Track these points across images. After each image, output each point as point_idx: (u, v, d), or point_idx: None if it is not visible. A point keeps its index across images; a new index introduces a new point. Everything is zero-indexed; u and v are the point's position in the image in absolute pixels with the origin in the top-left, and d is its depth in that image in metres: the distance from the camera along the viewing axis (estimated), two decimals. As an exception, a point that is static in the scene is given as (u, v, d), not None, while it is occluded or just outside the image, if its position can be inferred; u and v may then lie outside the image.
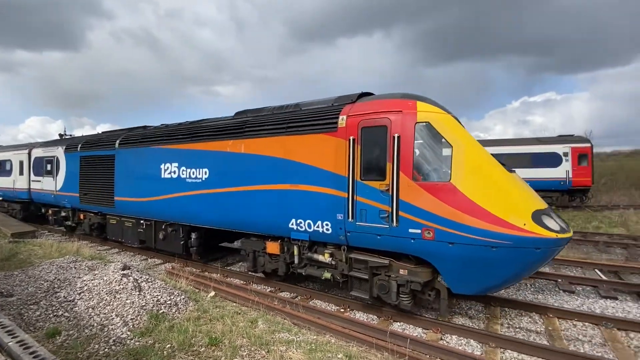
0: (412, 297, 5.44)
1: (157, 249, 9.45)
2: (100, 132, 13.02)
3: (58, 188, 12.41)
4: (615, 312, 5.95)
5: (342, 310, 6.22)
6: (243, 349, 4.17)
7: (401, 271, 5.35)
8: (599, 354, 4.66)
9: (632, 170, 24.83)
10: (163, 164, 8.53)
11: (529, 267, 4.89)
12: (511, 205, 4.75)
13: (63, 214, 12.52)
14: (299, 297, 6.79)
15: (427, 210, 4.92)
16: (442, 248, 4.89)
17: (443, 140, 5.07)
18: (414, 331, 5.43)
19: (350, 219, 5.54)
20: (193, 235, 8.43)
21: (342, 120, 5.74)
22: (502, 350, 4.82)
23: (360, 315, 6.02)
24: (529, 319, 5.76)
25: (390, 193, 5.18)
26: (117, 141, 10.11)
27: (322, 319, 5.58)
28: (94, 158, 10.85)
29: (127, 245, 10.73)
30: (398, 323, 5.69)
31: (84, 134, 14.68)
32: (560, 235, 4.60)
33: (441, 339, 5.17)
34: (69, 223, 12.41)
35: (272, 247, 6.74)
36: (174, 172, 8.25)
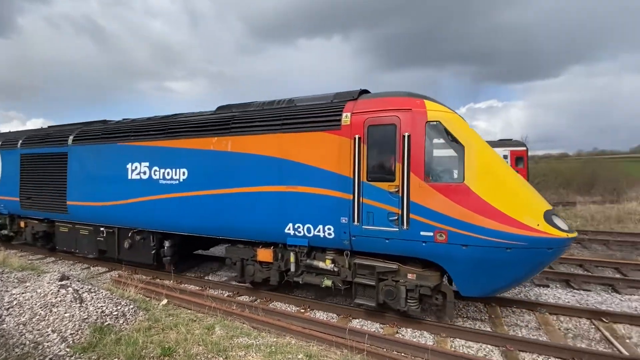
0: (419, 302, 5.30)
1: (121, 260, 8.40)
2: (47, 126, 11.50)
3: None
4: (548, 298, 6.61)
5: (302, 310, 6.22)
6: (199, 357, 3.99)
7: (409, 276, 5.18)
8: (534, 337, 5.16)
9: (561, 172, 27.82)
10: (130, 164, 7.58)
11: (539, 267, 4.94)
12: (524, 205, 4.74)
13: None
14: (258, 300, 6.66)
15: (439, 212, 4.79)
16: (455, 250, 4.78)
17: (454, 140, 4.94)
18: (371, 327, 5.59)
19: (355, 223, 5.28)
20: (166, 244, 7.54)
21: (346, 117, 5.44)
22: (452, 339, 5.14)
23: (320, 315, 6.07)
24: (475, 309, 6.21)
25: (400, 194, 5.00)
26: (71, 137, 8.86)
27: (282, 320, 5.54)
28: (40, 156, 9.45)
29: (79, 255, 9.43)
30: (357, 320, 5.82)
31: (12, 130, 13.02)
32: (569, 235, 4.66)
33: (397, 332, 5.38)
34: (6, 232, 10.89)
35: (264, 255, 6.23)
36: (144, 172, 7.36)
